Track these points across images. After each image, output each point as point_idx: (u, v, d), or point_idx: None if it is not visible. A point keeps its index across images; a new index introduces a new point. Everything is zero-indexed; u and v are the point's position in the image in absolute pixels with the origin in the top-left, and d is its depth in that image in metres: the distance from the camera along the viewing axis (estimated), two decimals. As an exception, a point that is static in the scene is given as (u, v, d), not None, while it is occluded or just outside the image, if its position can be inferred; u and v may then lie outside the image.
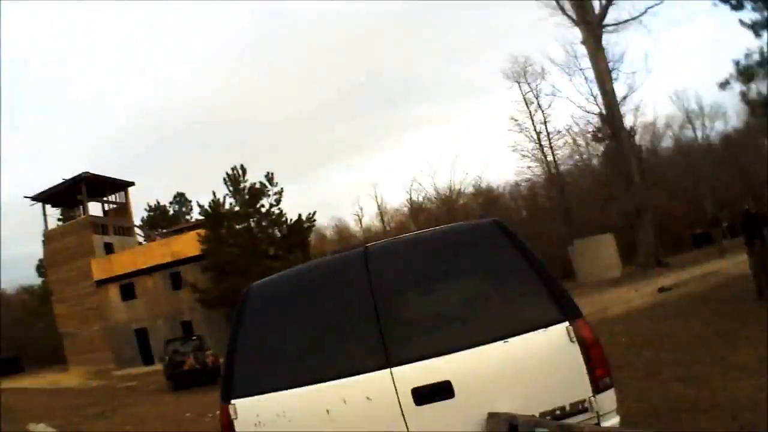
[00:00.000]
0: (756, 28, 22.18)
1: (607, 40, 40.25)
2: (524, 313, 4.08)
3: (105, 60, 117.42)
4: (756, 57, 22.50)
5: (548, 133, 53.82)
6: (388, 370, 3.90)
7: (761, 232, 14.05)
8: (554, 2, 40.27)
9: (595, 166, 55.54)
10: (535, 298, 4.12)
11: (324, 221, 71.64)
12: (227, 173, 40.85)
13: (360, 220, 72.45)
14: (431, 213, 64.31)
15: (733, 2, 22.33)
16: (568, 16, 40.04)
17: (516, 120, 54.73)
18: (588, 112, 44.67)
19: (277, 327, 4.36)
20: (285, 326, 4.35)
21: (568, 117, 79.73)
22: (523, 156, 55.21)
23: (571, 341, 3.92)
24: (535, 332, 3.95)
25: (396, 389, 3.86)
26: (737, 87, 23.46)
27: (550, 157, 54.44)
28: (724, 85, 23.47)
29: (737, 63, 22.76)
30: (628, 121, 42.63)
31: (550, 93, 51.82)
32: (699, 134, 62.04)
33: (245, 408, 4.05)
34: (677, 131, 61.53)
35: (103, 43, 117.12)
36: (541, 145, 54.26)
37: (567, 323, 3.96)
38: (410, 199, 69.11)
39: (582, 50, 41.86)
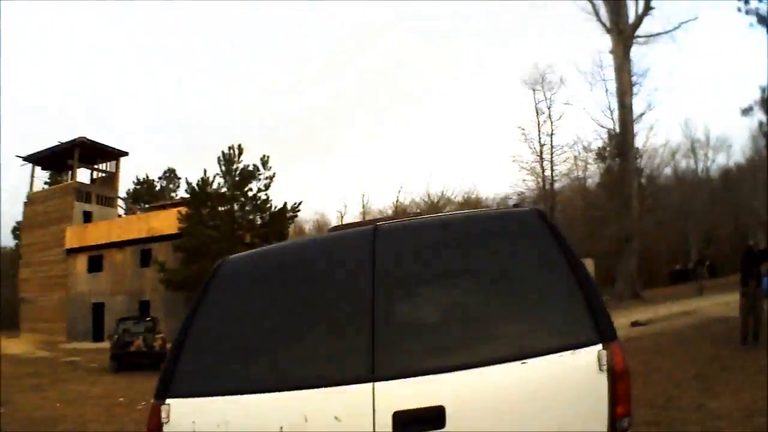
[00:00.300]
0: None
1: (635, 52, 39.39)
2: (553, 329, 3.36)
3: (117, 29, 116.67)
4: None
5: (551, 147, 52.19)
6: (370, 384, 3.14)
7: (758, 271, 13.28)
8: (590, 6, 39.70)
9: (590, 186, 54.32)
10: (570, 311, 3.36)
11: (306, 215, 70.67)
12: (222, 152, 40.06)
13: (342, 218, 71.13)
14: (415, 219, 63.66)
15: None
16: (602, 23, 39.42)
17: (523, 129, 53.12)
18: (602, 126, 44.15)
19: (246, 315, 3.64)
20: (256, 315, 3.62)
21: (576, 131, 79.08)
22: (522, 168, 53.59)
23: (600, 369, 3.19)
24: (561, 354, 3.22)
25: (374, 410, 3.11)
26: (758, 116, 22.63)
27: (548, 172, 52.81)
28: (747, 111, 22.61)
29: (764, 90, 21.77)
30: (638, 141, 41.94)
31: (565, 103, 50.90)
32: (700, 165, 61.24)
33: (180, 411, 3.33)
34: (678, 159, 60.43)
35: (114, 15, 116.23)
36: (542, 158, 52.67)
37: (600, 346, 3.23)
38: (396, 202, 68.02)
39: (608, 59, 41.33)
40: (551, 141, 51.67)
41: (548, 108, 51.25)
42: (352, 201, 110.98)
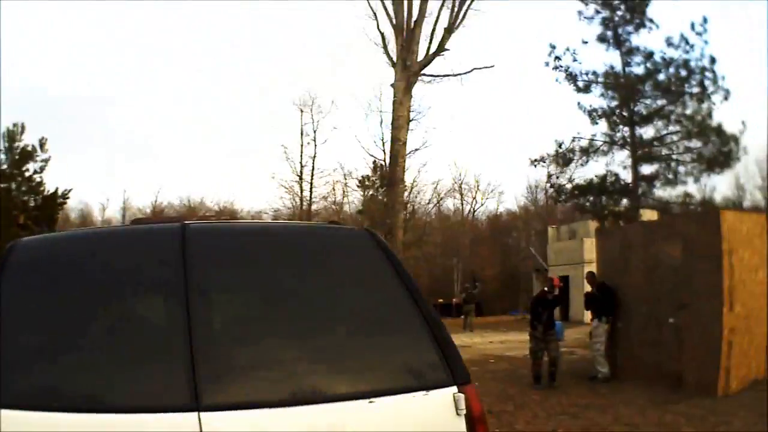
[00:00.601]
0: (594, 115, 22.21)
1: (422, 89, 39.84)
2: (401, 365, 3.02)
3: None
4: (583, 143, 22.48)
5: (313, 169, 52.48)
6: (195, 414, 2.61)
7: (549, 316, 13.58)
8: (380, 39, 39.41)
9: (348, 211, 55.25)
10: (418, 348, 3.04)
11: (72, 203, 66.58)
12: (7, 128, 38.60)
13: (104, 210, 67.52)
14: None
15: (580, 85, 22.31)
16: (389, 56, 38.79)
17: (286, 148, 53.06)
18: (371, 156, 43.97)
19: (51, 313, 2.91)
20: (60, 315, 2.91)
21: (343, 156, 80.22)
22: (281, 186, 53.41)
23: (458, 414, 2.90)
24: (413, 395, 2.89)
25: None
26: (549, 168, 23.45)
27: (306, 193, 52.99)
28: (537, 162, 23.29)
29: (560, 144, 22.64)
30: (409, 175, 42.60)
31: (333, 128, 52.35)
32: (467, 207, 63.43)
33: (13, 424, 2.58)
34: (444, 198, 62.55)
35: None
36: (301, 178, 52.69)
37: (455, 389, 2.94)
38: (155, 201, 65.72)
39: (389, 92, 41.47)
40: (313, 163, 52.10)
41: (314, 131, 51.60)
42: (113, 195, 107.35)
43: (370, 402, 2.81)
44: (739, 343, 10.90)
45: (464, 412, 2.89)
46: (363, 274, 3.32)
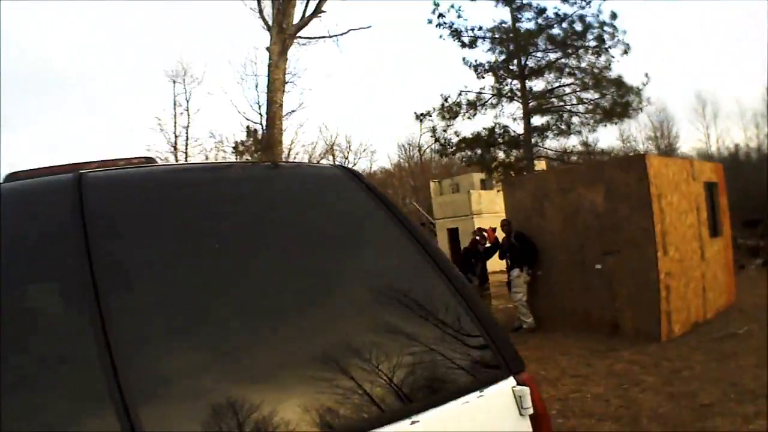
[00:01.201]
0: (480, 70, 22.07)
1: (295, 49, 39.28)
2: (441, 361, 2.10)
3: None
4: (470, 97, 22.37)
5: (187, 138, 51.30)
6: None
7: (483, 268, 13.63)
8: (255, 3, 38.70)
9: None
10: (454, 330, 2.17)
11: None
12: None
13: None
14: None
15: (465, 40, 22.12)
16: (264, 20, 38.04)
17: (159, 119, 51.79)
18: (248, 120, 43.01)
19: None
20: None
21: (219, 123, 78.34)
22: (156, 157, 51.77)
23: (521, 414, 2.10)
24: (464, 400, 2.02)
25: None
26: (435, 121, 23.24)
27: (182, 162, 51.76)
28: (423, 116, 23.07)
29: (446, 98, 22.46)
30: (287, 137, 42.08)
31: (208, 93, 50.00)
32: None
33: None
34: (319, 160, 62.18)
35: None
36: (176, 149, 51.44)
37: (513, 381, 2.14)
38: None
39: (264, 56, 40.76)
40: (187, 133, 51.10)
41: (187, 101, 50.63)
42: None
43: (413, 423, 1.92)
44: (676, 288, 10.91)
45: (530, 411, 2.13)
46: (354, 231, 2.46)
